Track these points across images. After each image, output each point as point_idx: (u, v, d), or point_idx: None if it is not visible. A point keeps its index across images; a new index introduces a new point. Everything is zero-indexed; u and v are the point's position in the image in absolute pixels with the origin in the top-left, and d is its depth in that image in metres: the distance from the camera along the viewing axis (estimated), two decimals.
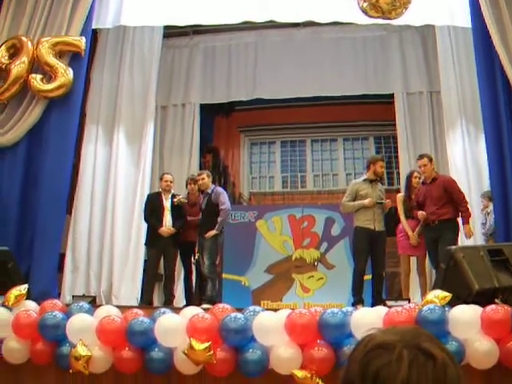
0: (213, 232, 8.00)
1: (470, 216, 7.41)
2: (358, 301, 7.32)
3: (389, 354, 1.16)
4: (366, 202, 7.54)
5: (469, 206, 7.48)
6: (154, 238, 8.29)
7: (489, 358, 4.75)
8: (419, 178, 7.89)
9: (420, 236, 7.73)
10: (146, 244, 8.57)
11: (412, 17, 7.77)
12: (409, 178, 8.11)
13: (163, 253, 8.38)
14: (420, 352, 1.16)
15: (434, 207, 7.41)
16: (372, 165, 7.76)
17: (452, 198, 7.37)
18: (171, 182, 8.58)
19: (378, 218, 7.60)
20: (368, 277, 7.69)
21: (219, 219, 8.09)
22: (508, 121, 7.33)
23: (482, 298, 5.29)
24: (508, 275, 5.66)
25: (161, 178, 8.70)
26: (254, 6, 8.41)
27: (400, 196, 8.05)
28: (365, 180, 7.74)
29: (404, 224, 7.86)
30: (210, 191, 8.26)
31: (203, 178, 8.36)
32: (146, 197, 8.82)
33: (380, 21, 7.63)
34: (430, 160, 7.63)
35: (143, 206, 8.65)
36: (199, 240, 8.22)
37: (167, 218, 8.32)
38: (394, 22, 8.11)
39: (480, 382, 4.78)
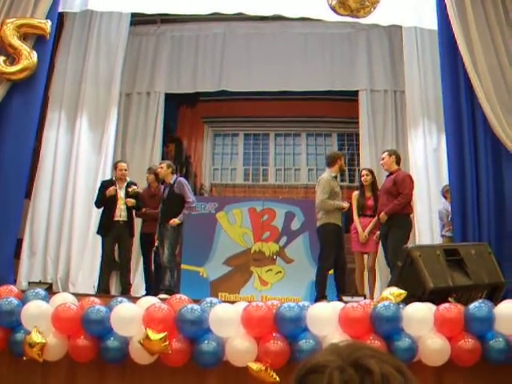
0: (176, 220, 7.96)
1: (394, 210, 7.34)
2: (321, 297, 7.36)
3: (320, 377, 1.11)
4: (345, 205, 7.71)
5: (406, 202, 7.44)
6: (107, 227, 8.21)
7: (440, 355, 4.85)
8: (366, 176, 8.04)
9: (371, 233, 7.86)
10: (97, 232, 8.44)
11: (380, 16, 7.86)
12: (360, 176, 8.27)
13: (117, 241, 8.31)
14: (356, 369, 1.10)
15: (383, 200, 7.54)
16: (339, 160, 7.84)
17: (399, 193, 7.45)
18: (126, 170, 8.49)
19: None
20: (330, 272, 7.78)
21: (184, 211, 8.07)
22: (469, 122, 7.44)
23: (437, 297, 5.39)
24: (462, 275, 5.77)
25: (115, 167, 8.57)
26: None
27: (355, 194, 8.18)
28: (333, 177, 7.82)
29: (356, 221, 7.99)
30: (172, 182, 8.22)
31: (162, 167, 8.29)
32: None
33: (348, 19, 7.68)
34: (390, 155, 7.74)
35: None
36: (159, 229, 8.17)
37: (121, 208, 8.24)
38: (362, 21, 8.17)
39: (431, 378, 4.88)
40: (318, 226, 7.73)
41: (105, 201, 8.25)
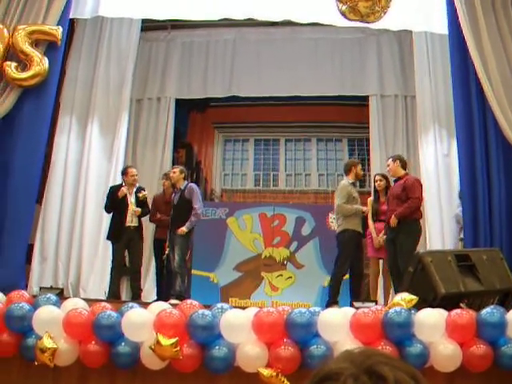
0: (184, 229, 7.97)
1: (404, 214, 7.32)
2: (333, 302, 7.36)
3: None
4: (364, 209, 7.81)
5: (416, 206, 7.44)
6: (117, 232, 8.22)
7: (452, 361, 4.83)
8: (380, 181, 8.04)
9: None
10: (108, 238, 8.45)
11: (390, 21, 7.84)
12: (373, 181, 8.27)
13: (128, 246, 8.32)
14: (369, 376, 1.09)
15: (392, 206, 7.50)
16: (354, 167, 7.91)
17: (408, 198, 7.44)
18: (136, 175, 8.54)
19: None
20: (346, 276, 7.78)
21: (192, 219, 8.07)
22: (480, 128, 7.41)
23: (448, 303, 5.36)
24: (474, 281, 5.74)
25: (126, 172, 8.53)
26: (234, 3, 8.41)
27: (369, 200, 8.19)
28: (351, 183, 7.87)
29: (370, 227, 8.00)
30: (182, 187, 8.23)
31: (174, 172, 8.31)
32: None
33: (358, 24, 7.68)
34: (394, 160, 7.74)
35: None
36: (170, 235, 8.19)
37: (132, 213, 8.25)
38: (372, 26, 8.16)
39: None
40: (338, 232, 7.77)
41: (115, 206, 8.27)
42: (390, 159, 7.84)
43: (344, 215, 7.71)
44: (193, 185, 8.46)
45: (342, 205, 7.69)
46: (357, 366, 1.12)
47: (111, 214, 8.44)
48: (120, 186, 8.49)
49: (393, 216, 7.32)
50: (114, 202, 8.26)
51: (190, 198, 8.11)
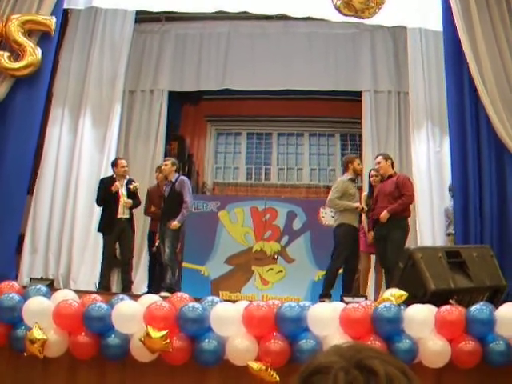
0: (176, 224, 7.97)
1: (397, 210, 7.40)
2: (326, 294, 7.40)
3: (325, 378, 1.11)
4: (355, 205, 7.78)
5: (409, 203, 7.58)
6: (109, 224, 8.20)
7: (441, 357, 4.85)
8: (376, 176, 8.05)
9: None
10: (99, 230, 8.42)
11: (385, 17, 7.84)
12: (368, 177, 8.28)
13: (119, 238, 8.30)
14: (359, 370, 1.10)
15: (383, 203, 7.54)
16: (350, 164, 7.94)
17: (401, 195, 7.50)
18: (127, 166, 8.52)
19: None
20: (341, 270, 7.83)
21: (183, 212, 8.06)
22: (473, 126, 7.43)
23: (438, 299, 5.38)
24: (464, 277, 5.76)
25: (116, 164, 8.48)
26: None
27: (364, 195, 8.21)
28: (350, 179, 7.88)
29: (364, 222, 8.01)
30: (173, 180, 8.23)
31: (166, 164, 8.32)
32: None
33: (353, 19, 7.68)
34: (386, 158, 7.80)
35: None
36: (161, 228, 8.19)
37: (123, 205, 8.24)
38: (367, 21, 8.16)
39: (431, 380, 4.87)
40: (335, 226, 7.85)
41: (106, 198, 8.25)
42: (381, 157, 7.87)
43: (334, 210, 7.77)
44: (184, 177, 8.45)
45: (332, 199, 7.76)
46: (347, 360, 1.12)
47: (102, 206, 8.42)
48: (111, 177, 8.45)
49: (385, 211, 7.34)
50: (106, 195, 8.23)
51: (181, 190, 8.10)
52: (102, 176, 9.00)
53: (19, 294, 5.37)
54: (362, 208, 7.88)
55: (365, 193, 8.35)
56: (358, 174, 8.20)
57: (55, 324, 5.09)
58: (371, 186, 8.16)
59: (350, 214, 7.75)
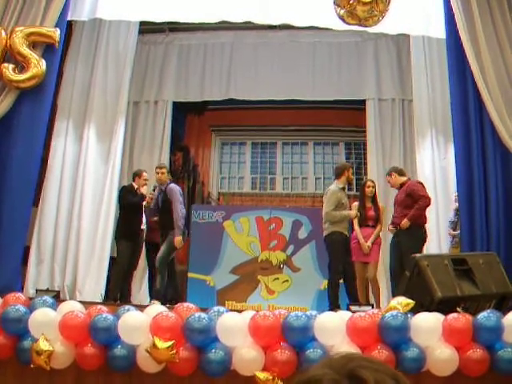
0: (180, 239, 7.94)
1: (416, 216, 7.43)
2: (335, 306, 7.36)
3: None
4: (353, 214, 7.87)
5: (426, 204, 7.57)
6: (130, 232, 8.20)
7: (449, 365, 4.82)
8: (372, 187, 8.09)
9: (373, 243, 7.89)
10: (119, 236, 8.35)
11: (388, 25, 7.84)
12: (362, 187, 8.28)
13: (134, 249, 8.30)
14: (349, 380, 1.10)
15: (397, 213, 7.62)
16: (346, 171, 7.94)
17: (415, 201, 7.50)
18: (148, 181, 8.54)
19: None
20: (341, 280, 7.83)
21: (178, 225, 7.95)
22: (477, 133, 7.40)
23: (445, 307, 5.36)
24: (471, 285, 5.74)
25: (140, 175, 8.49)
26: (232, 6, 8.40)
27: (354, 205, 8.18)
28: (341, 188, 7.88)
29: (357, 231, 8.00)
30: (163, 188, 8.18)
31: (163, 173, 8.25)
32: (118, 191, 8.76)
33: (356, 28, 7.69)
34: (390, 174, 7.96)
35: (117, 196, 8.64)
36: (162, 240, 8.10)
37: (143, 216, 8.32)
38: (370, 30, 8.17)
39: None
40: (325, 235, 7.80)
41: (131, 207, 8.28)
42: (387, 176, 8.07)
43: (332, 221, 7.76)
44: (172, 185, 8.33)
45: (329, 212, 7.74)
46: (337, 371, 1.12)
47: (122, 212, 8.45)
48: (131, 186, 8.47)
49: (405, 219, 7.39)
50: (133, 202, 8.27)
51: (171, 198, 8.05)
52: (107, 187, 9.03)
53: (25, 306, 5.37)
54: (356, 215, 7.89)
55: (355, 202, 8.32)
56: (349, 182, 8.26)
57: (61, 335, 5.08)
58: (363, 196, 8.15)
59: (342, 222, 7.78)
